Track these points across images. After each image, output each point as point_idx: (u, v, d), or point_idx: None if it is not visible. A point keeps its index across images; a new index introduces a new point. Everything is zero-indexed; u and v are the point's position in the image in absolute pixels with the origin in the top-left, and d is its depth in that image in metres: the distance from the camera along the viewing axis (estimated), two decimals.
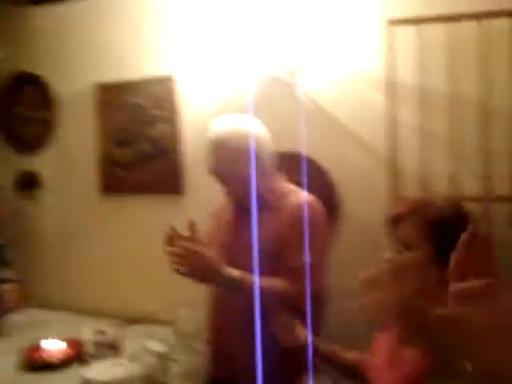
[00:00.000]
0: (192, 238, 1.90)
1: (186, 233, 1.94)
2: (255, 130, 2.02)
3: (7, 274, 3.11)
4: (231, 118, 2.05)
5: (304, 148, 2.47)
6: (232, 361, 2.05)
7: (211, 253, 1.91)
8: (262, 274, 1.92)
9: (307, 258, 1.87)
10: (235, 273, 1.88)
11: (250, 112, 2.07)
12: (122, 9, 3.02)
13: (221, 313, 2.14)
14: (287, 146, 2.31)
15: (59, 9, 3.22)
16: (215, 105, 2.78)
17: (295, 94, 2.54)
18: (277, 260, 1.94)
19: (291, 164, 2.27)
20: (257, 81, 2.59)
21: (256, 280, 1.86)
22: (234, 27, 2.64)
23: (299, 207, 1.96)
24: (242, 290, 1.84)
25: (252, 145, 1.97)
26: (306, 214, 1.95)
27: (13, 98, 3.42)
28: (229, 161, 1.96)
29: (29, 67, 3.35)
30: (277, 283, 1.91)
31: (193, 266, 1.86)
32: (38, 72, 3.34)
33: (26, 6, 3.29)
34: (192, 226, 1.92)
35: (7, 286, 3.06)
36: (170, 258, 1.91)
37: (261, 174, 2.00)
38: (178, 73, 2.88)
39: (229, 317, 2.08)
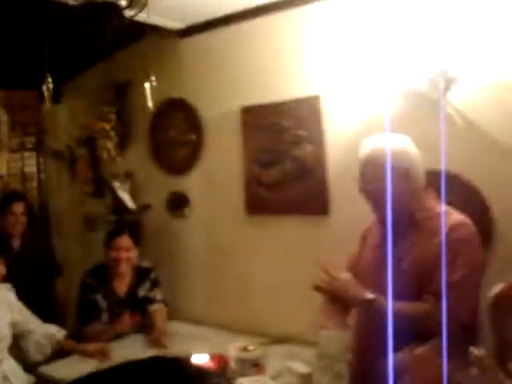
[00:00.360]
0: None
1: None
2: (407, 147, 1.98)
3: (157, 294, 3.29)
4: (382, 136, 2.01)
5: (452, 166, 2.34)
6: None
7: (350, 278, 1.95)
8: (411, 296, 1.86)
9: (459, 282, 1.77)
10: (371, 296, 1.84)
11: (390, 129, 2.03)
12: (264, 32, 3.09)
13: (364, 336, 2.08)
14: (435, 164, 2.19)
15: (204, 38, 3.39)
16: (359, 123, 2.74)
17: (442, 110, 2.42)
18: (426, 283, 1.84)
19: (438, 183, 2.16)
20: (401, 97, 2.51)
21: (399, 305, 1.81)
22: (377, 44, 2.60)
23: (452, 228, 1.87)
24: (382, 314, 1.79)
25: (403, 163, 1.93)
26: (458, 235, 1.85)
27: (164, 123, 3.64)
28: (379, 179, 1.90)
29: (178, 94, 3.54)
30: (423, 308, 1.82)
31: (333, 291, 1.96)
32: (186, 98, 3.52)
33: (174, 38, 3.50)
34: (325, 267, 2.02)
35: (157, 306, 3.24)
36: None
37: (411, 193, 1.95)
38: (322, 92, 2.88)
39: (372, 341, 2.00)
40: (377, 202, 1.99)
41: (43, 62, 2.80)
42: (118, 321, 3.09)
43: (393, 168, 1.90)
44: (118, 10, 1.45)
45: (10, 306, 2.56)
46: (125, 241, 3.20)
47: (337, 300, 1.98)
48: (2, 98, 4.17)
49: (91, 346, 2.85)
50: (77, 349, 2.81)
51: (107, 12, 1.43)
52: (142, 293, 3.26)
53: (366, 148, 2.02)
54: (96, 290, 3.16)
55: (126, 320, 3.11)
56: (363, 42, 2.69)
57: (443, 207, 1.99)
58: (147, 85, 2.28)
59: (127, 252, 3.18)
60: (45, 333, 2.65)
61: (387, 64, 2.52)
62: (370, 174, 1.97)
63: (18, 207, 3.47)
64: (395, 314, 1.77)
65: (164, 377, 0.46)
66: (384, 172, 1.89)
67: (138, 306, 3.24)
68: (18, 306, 2.63)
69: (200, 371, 0.50)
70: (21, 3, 2.78)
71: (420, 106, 2.50)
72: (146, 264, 3.35)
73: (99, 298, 3.15)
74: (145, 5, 1.53)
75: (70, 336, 3.15)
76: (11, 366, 2.48)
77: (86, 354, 2.80)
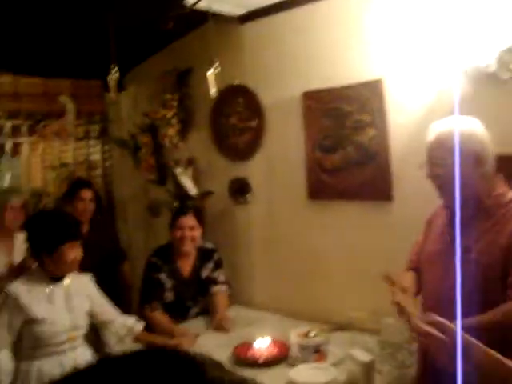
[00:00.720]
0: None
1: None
2: (477, 130, 1.89)
3: (220, 275, 3.34)
4: (451, 119, 1.94)
5: None
6: (440, 379, 1.92)
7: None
8: (477, 288, 1.78)
9: None
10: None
11: (457, 112, 1.95)
12: (326, 15, 3.04)
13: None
14: (505, 148, 2.10)
15: (265, 23, 3.36)
16: (424, 107, 2.66)
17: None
18: (496, 274, 1.77)
19: (508, 167, 2.07)
20: (469, 78, 2.42)
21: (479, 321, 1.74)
22: (442, 22, 2.51)
23: None
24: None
25: (473, 146, 1.86)
26: None
27: (225, 110, 3.65)
28: (448, 163, 1.83)
29: (239, 80, 3.54)
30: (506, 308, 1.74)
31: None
32: (247, 84, 3.52)
33: (235, 24, 3.49)
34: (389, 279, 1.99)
35: (220, 288, 3.29)
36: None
37: (481, 178, 1.87)
38: (385, 75, 2.81)
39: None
40: (445, 188, 1.91)
41: (107, 51, 2.87)
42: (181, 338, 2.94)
43: (462, 152, 1.83)
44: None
45: (90, 296, 2.62)
46: (190, 220, 3.24)
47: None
48: (68, 87, 4.30)
49: (171, 341, 2.81)
50: (155, 342, 2.77)
51: (170, 1, 1.44)
52: (205, 273, 3.31)
53: (434, 131, 1.94)
54: (160, 268, 3.23)
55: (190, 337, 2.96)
56: (428, 21, 2.60)
57: None
58: (210, 72, 2.28)
59: (192, 231, 3.23)
60: (123, 324, 2.69)
61: (453, 44, 2.43)
62: (439, 159, 1.89)
63: (87, 193, 3.58)
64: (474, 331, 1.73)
65: (154, 372, 0.44)
66: (453, 156, 1.82)
67: (201, 286, 3.29)
68: (98, 296, 2.69)
69: (195, 364, 0.48)
70: None
71: (488, 87, 2.40)
72: (209, 245, 3.40)
73: (163, 277, 3.21)
74: None
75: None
76: (84, 354, 2.55)
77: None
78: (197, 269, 3.31)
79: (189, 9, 1.45)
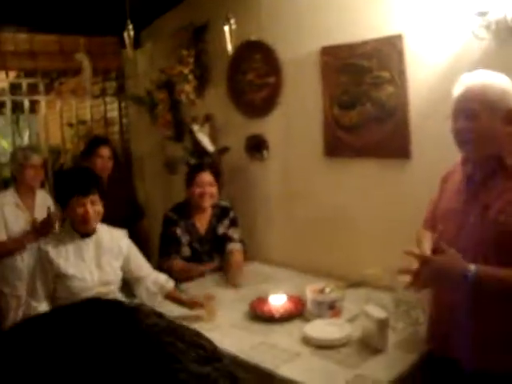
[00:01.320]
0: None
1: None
2: (509, 87, 1.83)
3: (235, 233, 3.36)
4: (482, 72, 1.88)
5: None
6: (452, 336, 1.94)
7: (445, 256, 1.83)
8: (497, 248, 1.77)
9: None
10: (474, 268, 1.73)
11: (474, 68, 1.90)
12: None
13: (446, 301, 2.01)
14: None
15: None
16: (444, 63, 2.60)
17: None
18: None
19: None
20: (492, 34, 2.35)
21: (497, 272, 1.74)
22: None
23: None
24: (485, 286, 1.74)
25: (507, 103, 1.80)
26: None
27: (242, 66, 3.60)
28: (482, 116, 1.79)
29: (256, 35, 3.48)
30: None
31: (430, 278, 1.87)
32: (264, 39, 3.45)
33: None
34: (411, 254, 1.90)
35: (234, 245, 3.32)
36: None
37: (508, 137, 1.83)
38: (405, 31, 2.74)
39: (454, 292, 1.94)
40: (472, 142, 1.86)
41: (123, 7, 2.83)
42: (202, 264, 3.20)
43: (495, 107, 1.80)
44: None
45: (123, 252, 2.64)
46: (208, 176, 3.27)
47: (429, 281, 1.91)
48: (84, 44, 4.27)
49: (197, 304, 2.76)
50: (184, 302, 2.77)
51: None
52: (220, 230, 3.34)
53: (465, 83, 1.87)
54: (177, 223, 3.26)
55: (212, 265, 3.23)
56: None
57: None
58: (226, 28, 2.24)
59: (211, 187, 3.26)
60: (155, 281, 2.72)
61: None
62: (471, 110, 1.84)
63: (105, 151, 3.59)
64: (501, 283, 1.74)
65: (88, 322, 0.44)
66: (487, 110, 1.79)
67: (217, 243, 3.33)
68: (132, 252, 2.71)
69: (131, 312, 0.47)
70: None
71: (510, 41, 2.32)
72: (224, 203, 3.42)
73: (180, 232, 3.25)
74: None
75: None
76: None
77: (191, 307, 2.74)
78: (213, 226, 3.34)
79: None
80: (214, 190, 3.27)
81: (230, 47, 2.34)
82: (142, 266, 2.72)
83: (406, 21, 2.73)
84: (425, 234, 2.11)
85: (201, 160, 3.76)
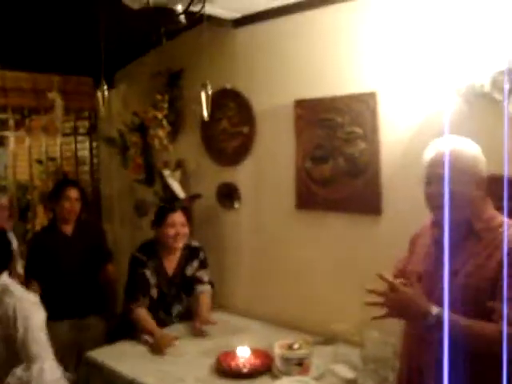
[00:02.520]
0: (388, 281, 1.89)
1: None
2: (479, 153, 1.89)
3: (204, 275, 3.32)
4: (453, 138, 1.92)
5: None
6: None
7: (408, 290, 1.86)
8: (464, 311, 1.79)
9: None
10: (437, 310, 1.76)
11: (449, 130, 1.94)
12: (320, 24, 3.02)
13: (416, 344, 2.01)
14: (494, 169, 2.10)
15: (259, 28, 3.33)
16: (416, 123, 2.65)
17: (506, 112, 2.31)
18: (485, 297, 1.77)
19: (498, 189, 2.07)
20: (462, 97, 2.41)
21: (467, 322, 1.75)
22: (437, 40, 2.50)
23: None
24: (441, 327, 1.72)
25: (478, 168, 1.86)
26: None
27: (216, 114, 3.60)
28: (455, 181, 1.81)
29: (231, 84, 3.51)
30: (487, 327, 1.73)
31: (393, 306, 1.86)
32: (239, 88, 3.49)
33: (229, 28, 3.46)
34: (382, 278, 1.90)
35: (204, 287, 3.28)
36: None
37: (470, 201, 1.87)
38: (379, 89, 2.80)
39: (424, 349, 1.94)
40: (443, 207, 1.89)
41: (98, 48, 2.83)
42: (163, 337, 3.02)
43: (467, 173, 1.84)
44: (175, 15, 1.43)
45: None
46: (180, 216, 3.24)
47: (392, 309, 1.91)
48: (58, 82, 4.24)
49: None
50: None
51: (164, 17, 1.42)
52: (189, 272, 3.31)
53: (437, 149, 1.91)
54: (145, 265, 3.20)
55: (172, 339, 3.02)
56: (423, 37, 2.59)
57: (503, 217, 1.91)
58: (203, 94, 2.26)
59: (183, 227, 3.23)
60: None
61: (448, 62, 2.42)
62: (443, 176, 1.87)
63: (73, 193, 3.54)
64: (461, 331, 1.74)
65: None
66: (460, 175, 1.83)
67: (185, 284, 3.28)
68: None
69: None
70: None
71: (482, 107, 2.39)
72: (195, 243, 3.38)
73: (148, 273, 3.19)
74: (202, 8, 1.51)
75: (122, 317, 3.27)
76: None
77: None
78: (182, 267, 3.29)
79: (183, 25, 1.43)
80: (186, 230, 3.24)
81: (205, 113, 2.35)
82: None
83: (379, 79, 2.79)
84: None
85: (171, 205, 3.73)
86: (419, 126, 2.63)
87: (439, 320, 1.73)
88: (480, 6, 2.35)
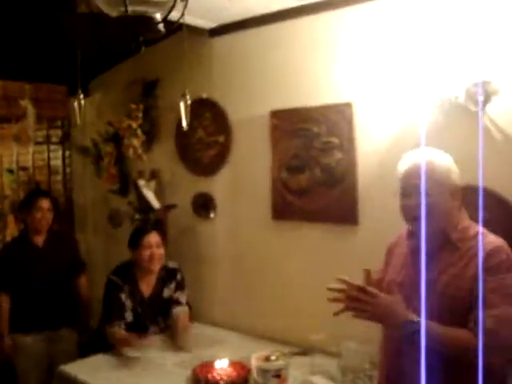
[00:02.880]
0: (365, 289, 1.87)
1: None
2: (452, 164, 1.92)
3: (181, 296, 3.29)
4: (427, 150, 1.94)
5: (488, 182, 2.28)
6: None
7: (388, 297, 1.87)
8: (441, 320, 1.80)
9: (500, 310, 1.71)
10: (417, 319, 1.77)
11: (425, 141, 1.96)
12: (297, 35, 3.03)
13: (394, 352, 2.01)
14: (469, 180, 2.13)
15: (235, 38, 3.34)
16: (392, 133, 2.67)
17: (480, 123, 2.35)
18: (462, 307, 1.78)
19: (474, 199, 2.09)
20: (438, 108, 2.44)
21: (443, 329, 1.77)
22: (414, 51, 2.53)
23: (490, 254, 1.79)
24: (419, 335, 1.73)
25: (452, 179, 1.88)
26: (497, 261, 1.78)
27: (191, 123, 3.54)
28: (431, 193, 1.84)
29: (207, 94, 3.49)
30: (461, 334, 1.75)
31: (370, 310, 1.84)
32: (215, 98, 3.47)
33: (205, 37, 3.45)
34: (367, 274, 1.95)
35: (181, 309, 3.24)
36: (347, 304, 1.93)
37: (445, 211, 1.89)
38: (355, 100, 2.81)
39: (402, 358, 1.94)
40: (420, 218, 1.91)
41: (72, 56, 2.79)
42: (144, 336, 3.08)
43: (443, 184, 1.87)
44: (153, 24, 1.41)
45: None
46: (155, 237, 3.19)
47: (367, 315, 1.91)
48: (30, 91, 4.18)
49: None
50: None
51: (142, 25, 1.40)
52: (166, 293, 3.26)
53: (411, 161, 1.93)
54: (121, 288, 3.15)
55: (152, 342, 3.08)
56: (399, 48, 2.62)
57: (478, 227, 1.93)
58: (182, 104, 2.24)
59: (159, 248, 3.18)
60: None
61: (424, 73, 2.45)
62: (418, 188, 1.88)
63: (45, 203, 3.47)
64: (438, 339, 1.75)
65: None
66: (436, 187, 1.85)
67: (161, 306, 3.23)
68: None
69: None
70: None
71: (457, 118, 2.42)
72: (172, 264, 3.33)
73: (124, 297, 3.14)
74: (181, 16, 1.50)
75: (96, 333, 3.21)
76: None
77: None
78: (158, 289, 3.25)
79: (163, 33, 1.42)
80: (162, 251, 3.20)
81: (185, 123, 2.33)
82: None
83: (356, 90, 2.80)
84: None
85: (146, 216, 3.70)
86: (395, 136, 2.65)
87: (417, 328, 1.74)
88: (454, 20, 2.38)
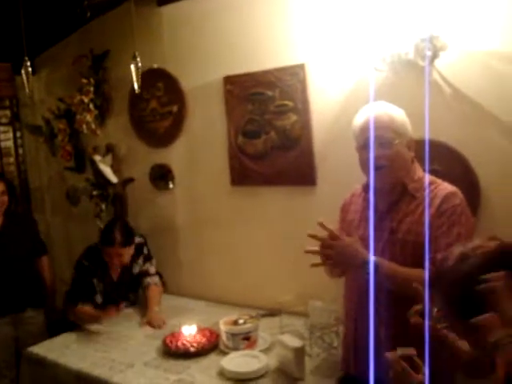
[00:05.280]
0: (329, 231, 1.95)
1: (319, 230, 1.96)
2: (403, 115, 1.98)
3: (150, 267, 3.28)
4: (378, 104, 1.99)
5: (438, 134, 2.34)
6: (367, 358, 1.98)
7: (347, 238, 1.96)
8: (405, 265, 1.88)
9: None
10: (375, 258, 1.86)
11: (376, 97, 2.00)
12: (247, 1, 2.99)
13: (358, 308, 2.08)
14: (421, 134, 2.17)
15: (184, 5, 3.27)
16: (345, 92, 2.69)
17: (427, 78, 2.39)
18: (421, 252, 1.83)
19: (423, 152, 2.14)
20: (388, 65, 2.47)
21: (404, 269, 1.86)
22: (362, 10, 2.53)
23: (445, 199, 1.89)
24: (381, 275, 1.82)
25: (408, 131, 1.96)
26: (451, 205, 1.88)
27: (144, 95, 3.52)
28: (395, 143, 1.91)
29: (158, 64, 3.43)
30: (417, 272, 1.79)
31: (336, 254, 1.93)
32: (167, 68, 3.42)
33: (153, 6, 3.38)
34: (322, 225, 1.96)
35: (152, 279, 3.24)
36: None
37: (405, 162, 1.96)
38: (308, 61, 2.81)
39: (366, 313, 2.00)
40: (385, 169, 1.93)
41: (17, 32, 2.69)
42: (104, 312, 3.06)
43: (401, 135, 1.93)
44: None
45: None
46: (117, 250, 3.09)
47: (333, 260, 1.97)
48: None
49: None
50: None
51: None
52: (136, 269, 3.26)
53: (369, 114, 1.96)
54: (93, 273, 3.14)
55: (111, 311, 3.07)
56: (348, 6, 2.61)
57: (432, 177, 2.00)
58: (132, 66, 2.20)
59: (120, 257, 3.12)
60: None
61: (373, 30, 2.46)
62: (384, 138, 1.91)
63: None
64: (399, 278, 1.82)
65: None
66: (397, 136, 1.92)
67: (132, 283, 3.24)
68: None
69: None
70: None
71: (407, 74, 2.45)
72: (137, 239, 3.28)
73: (95, 281, 3.14)
74: None
75: (61, 313, 3.20)
76: None
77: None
78: (127, 268, 3.22)
79: None
80: (124, 259, 3.14)
81: (136, 86, 2.29)
82: None
83: (307, 51, 2.80)
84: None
85: (104, 191, 3.65)
86: (348, 94, 2.67)
87: (377, 264, 1.83)
88: None
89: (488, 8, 2.27)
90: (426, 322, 1.46)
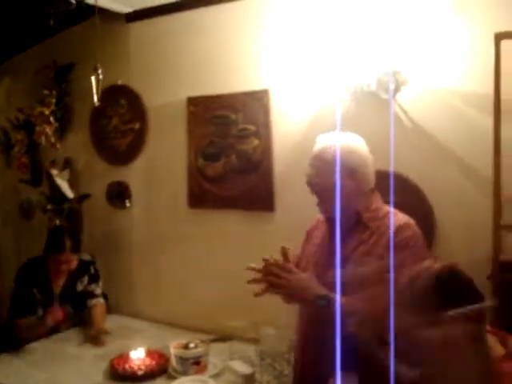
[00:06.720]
0: (282, 263, 1.96)
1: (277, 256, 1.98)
2: (358, 147, 1.99)
3: (96, 288, 3.20)
4: (337, 133, 2.01)
5: (397, 167, 2.37)
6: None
7: (303, 273, 1.94)
8: (355, 293, 1.86)
9: None
10: (328, 293, 1.84)
11: (338, 127, 2.03)
12: (214, 22, 3.01)
13: (310, 335, 2.07)
14: (381, 165, 2.20)
15: (152, 23, 3.28)
16: (307, 119, 2.72)
17: (392, 110, 2.44)
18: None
19: (386, 184, 2.18)
20: (351, 95, 2.50)
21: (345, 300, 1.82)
22: (328, 40, 2.57)
23: (398, 230, 1.89)
24: (334, 310, 1.79)
25: (352, 162, 1.94)
26: (405, 236, 1.89)
27: (106, 110, 3.49)
28: (327, 174, 1.93)
29: (122, 80, 3.40)
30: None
31: (285, 285, 1.91)
32: (130, 85, 3.40)
33: (121, 22, 3.37)
34: (284, 251, 1.98)
35: (94, 301, 3.16)
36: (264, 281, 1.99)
37: (358, 193, 1.97)
38: (271, 87, 2.83)
39: (318, 340, 2.00)
40: (322, 198, 2.00)
41: None
42: (49, 314, 2.98)
43: (341, 166, 1.91)
44: None
45: None
46: (67, 257, 3.03)
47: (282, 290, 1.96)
48: None
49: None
50: None
51: None
52: (80, 287, 3.16)
53: (319, 143, 2.01)
54: (32, 283, 3.04)
55: (58, 313, 3.01)
56: (314, 36, 2.66)
57: (389, 208, 2.01)
58: (93, 78, 2.17)
59: (66, 264, 3.04)
60: None
61: (337, 61, 2.50)
62: (319, 169, 1.97)
63: None
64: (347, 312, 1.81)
65: None
66: (332, 168, 1.91)
67: (75, 300, 3.14)
68: None
69: None
70: None
71: (369, 105, 2.49)
72: (86, 257, 3.22)
73: (35, 291, 3.03)
74: None
75: (4, 328, 3.05)
76: None
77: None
78: (71, 283, 3.13)
79: (74, 6, 1.35)
80: (70, 266, 3.06)
81: (96, 99, 2.26)
82: None
83: (272, 77, 2.83)
84: None
85: (59, 206, 3.57)
86: (310, 121, 2.70)
87: (328, 302, 1.82)
88: (368, 11, 2.44)
89: (450, 47, 2.35)
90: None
